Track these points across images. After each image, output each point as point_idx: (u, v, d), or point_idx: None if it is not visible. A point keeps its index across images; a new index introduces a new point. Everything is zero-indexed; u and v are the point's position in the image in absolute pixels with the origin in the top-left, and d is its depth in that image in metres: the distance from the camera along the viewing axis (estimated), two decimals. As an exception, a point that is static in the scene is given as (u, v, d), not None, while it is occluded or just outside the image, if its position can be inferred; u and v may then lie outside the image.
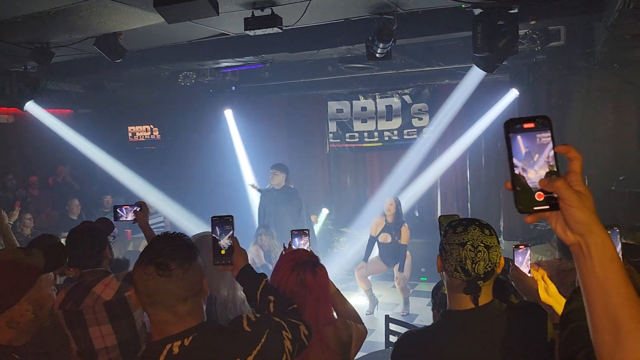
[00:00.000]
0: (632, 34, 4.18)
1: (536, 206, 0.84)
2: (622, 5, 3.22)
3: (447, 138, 7.55)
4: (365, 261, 6.34)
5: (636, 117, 6.43)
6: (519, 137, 0.85)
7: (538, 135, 0.84)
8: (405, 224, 6.25)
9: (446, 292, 1.78)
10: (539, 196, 0.83)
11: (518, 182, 0.85)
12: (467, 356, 1.65)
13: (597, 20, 4.67)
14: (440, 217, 2.00)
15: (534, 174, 0.84)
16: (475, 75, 6.43)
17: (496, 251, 1.66)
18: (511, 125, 0.86)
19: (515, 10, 3.88)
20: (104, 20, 4.12)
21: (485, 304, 1.69)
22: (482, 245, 1.64)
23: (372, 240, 6.36)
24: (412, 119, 7.95)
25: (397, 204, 6.30)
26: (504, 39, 3.83)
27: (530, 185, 0.84)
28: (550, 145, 0.84)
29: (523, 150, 0.85)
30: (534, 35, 5.08)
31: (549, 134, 0.84)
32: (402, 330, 4.15)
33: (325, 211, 8.20)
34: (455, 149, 7.47)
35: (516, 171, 0.85)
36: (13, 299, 1.55)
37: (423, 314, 6.05)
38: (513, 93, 6.72)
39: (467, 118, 7.26)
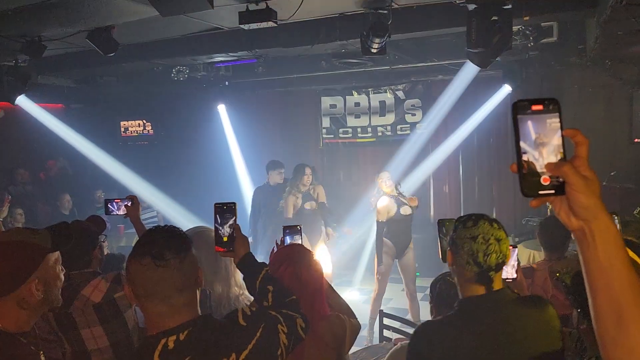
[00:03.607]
0: (625, 30, 4.20)
1: (541, 190, 0.83)
2: (615, 1, 3.23)
3: (441, 134, 7.57)
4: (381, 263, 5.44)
5: (627, 114, 6.48)
6: (527, 120, 0.83)
7: (547, 119, 0.83)
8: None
9: (456, 284, 1.83)
10: (545, 180, 0.82)
11: (524, 165, 0.83)
12: (483, 340, 1.69)
13: (590, 17, 4.69)
14: (439, 220, 2.08)
15: (541, 157, 0.83)
16: (469, 71, 6.44)
17: (505, 243, 1.73)
18: (520, 107, 0.84)
19: (509, 6, 3.89)
20: (97, 13, 4.09)
21: (497, 289, 1.74)
22: (492, 237, 1.70)
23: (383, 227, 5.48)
24: (406, 115, 7.96)
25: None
26: (498, 35, 3.84)
27: (537, 169, 0.83)
28: (559, 129, 0.83)
29: (531, 133, 0.83)
30: (527, 32, 5.10)
31: (558, 118, 0.83)
32: (396, 324, 4.18)
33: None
34: (448, 144, 7.49)
35: (523, 154, 0.83)
36: (21, 278, 1.55)
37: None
38: (506, 89, 6.75)
39: (460, 114, 7.28)
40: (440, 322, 1.83)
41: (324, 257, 5.54)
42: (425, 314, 3.24)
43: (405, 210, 5.48)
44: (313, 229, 5.77)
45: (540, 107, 0.83)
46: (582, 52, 5.85)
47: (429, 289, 2.51)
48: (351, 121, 8.33)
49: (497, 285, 1.75)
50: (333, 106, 8.41)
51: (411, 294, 5.59)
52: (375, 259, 5.55)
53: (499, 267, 1.72)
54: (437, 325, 1.82)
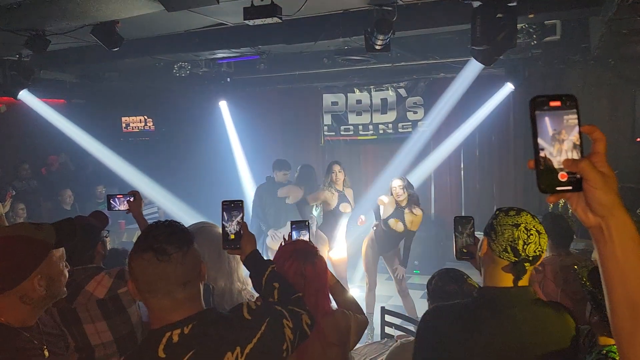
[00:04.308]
0: (630, 28, 4.20)
1: (559, 186, 0.83)
2: (621, -1, 3.23)
3: (442, 132, 7.56)
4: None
5: (630, 112, 6.48)
6: (544, 116, 0.84)
7: (564, 115, 0.83)
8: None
9: (482, 273, 1.78)
10: (562, 176, 0.83)
11: (541, 161, 0.83)
12: (502, 333, 1.64)
13: (594, 15, 4.68)
14: (456, 217, 2.07)
15: (558, 154, 0.83)
16: (471, 69, 6.44)
17: (544, 238, 1.69)
18: (538, 103, 0.84)
19: (514, 4, 3.88)
20: (102, 7, 4.07)
21: (523, 286, 1.70)
22: (534, 229, 1.67)
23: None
24: (407, 113, 7.96)
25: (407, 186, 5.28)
26: (503, 32, 3.83)
27: (554, 165, 0.83)
28: (577, 125, 0.83)
29: (549, 129, 0.83)
30: (530, 30, 5.09)
31: (576, 114, 0.83)
32: (397, 321, 4.18)
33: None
34: (449, 142, 7.49)
35: (540, 151, 0.83)
36: (23, 273, 1.55)
37: (416, 306, 6.05)
38: (508, 87, 6.75)
39: (462, 112, 7.28)
40: (456, 306, 1.77)
41: (341, 242, 5.65)
42: (424, 310, 3.24)
43: (398, 227, 5.22)
44: (341, 228, 5.73)
45: (558, 103, 0.83)
46: (586, 51, 5.85)
47: None
48: (352, 118, 8.33)
49: (523, 282, 1.68)
50: (334, 103, 8.41)
51: (402, 290, 5.58)
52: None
53: (535, 259, 1.66)
54: (452, 309, 1.75)
